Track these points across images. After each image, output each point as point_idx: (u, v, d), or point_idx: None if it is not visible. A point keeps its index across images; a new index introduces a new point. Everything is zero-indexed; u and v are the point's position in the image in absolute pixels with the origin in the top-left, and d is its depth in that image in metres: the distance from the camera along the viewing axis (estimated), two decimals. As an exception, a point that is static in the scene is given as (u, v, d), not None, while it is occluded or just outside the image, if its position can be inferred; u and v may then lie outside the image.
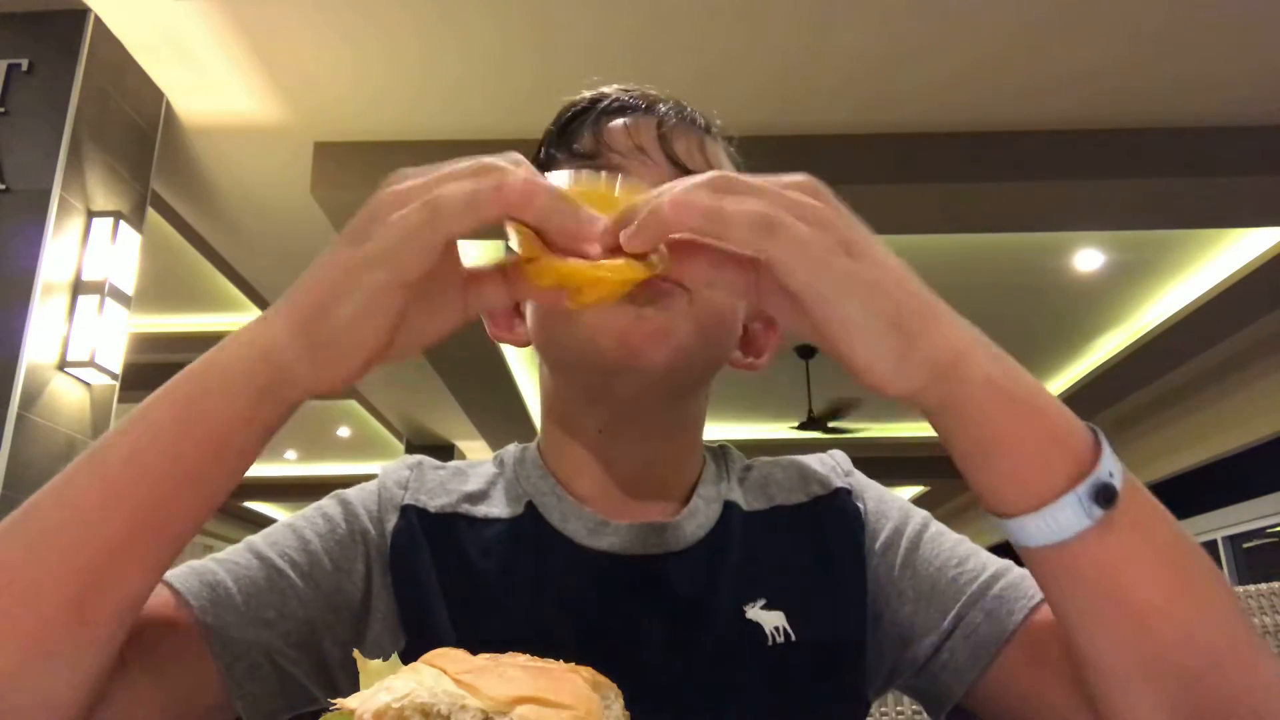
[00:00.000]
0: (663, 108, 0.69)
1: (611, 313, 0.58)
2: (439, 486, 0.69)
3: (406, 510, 0.66)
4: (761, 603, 0.64)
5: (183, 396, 0.48)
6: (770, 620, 0.63)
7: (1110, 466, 0.47)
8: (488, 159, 0.45)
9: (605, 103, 0.69)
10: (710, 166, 0.67)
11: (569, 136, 0.68)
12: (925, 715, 1.01)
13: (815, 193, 0.46)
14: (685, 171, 0.64)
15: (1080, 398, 6.61)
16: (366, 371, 0.47)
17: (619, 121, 0.67)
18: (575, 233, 0.46)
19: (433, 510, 0.67)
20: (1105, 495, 0.46)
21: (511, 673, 0.41)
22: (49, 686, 0.46)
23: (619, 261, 0.46)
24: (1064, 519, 0.46)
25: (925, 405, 0.47)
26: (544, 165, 0.69)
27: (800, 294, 0.44)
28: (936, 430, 0.49)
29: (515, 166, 0.45)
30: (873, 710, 1.06)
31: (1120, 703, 0.51)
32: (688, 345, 0.61)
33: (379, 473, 0.71)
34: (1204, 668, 0.48)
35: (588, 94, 0.70)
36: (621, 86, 0.71)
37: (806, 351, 5.59)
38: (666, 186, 0.45)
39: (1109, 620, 0.48)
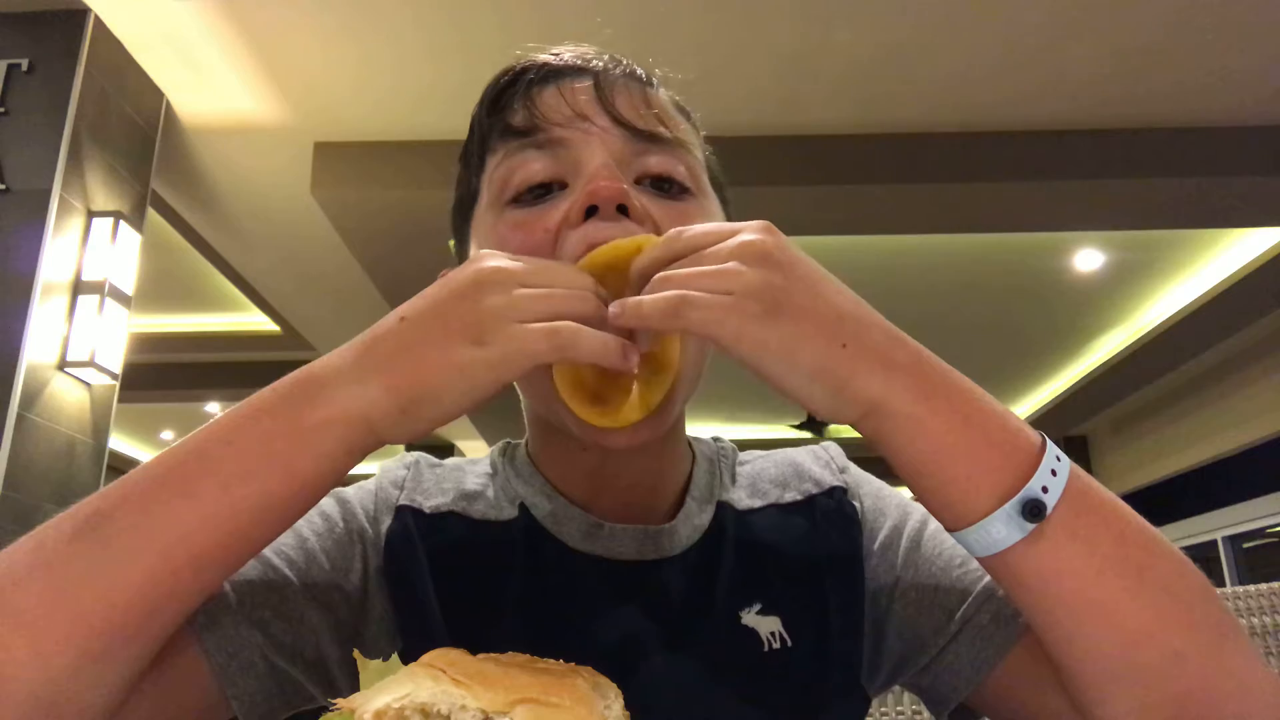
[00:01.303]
0: (598, 63, 0.65)
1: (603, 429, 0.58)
2: (435, 485, 0.69)
3: (401, 511, 0.66)
4: (757, 608, 0.63)
5: (281, 448, 0.50)
6: (766, 626, 0.63)
7: (1044, 481, 0.49)
8: (589, 291, 0.52)
9: (534, 70, 0.64)
10: (658, 120, 0.63)
11: (501, 111, 0.64)
12: (925, 715, 1.00)
13: (759, 248, 0.50)
14: (633, 130, 0.62)
15: (1080, 398, 6.61)
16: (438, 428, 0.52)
17: (552, 87, 0.63)
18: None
19: (428, 510, 0.66)
20: (1033, 510, 0.49)
21: (511, 673, 0.41)
22: (94, 691, 0.47)
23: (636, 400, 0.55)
24: (995, 533, 0.49)
25: (862, 434, 0.52)
26: (479, 146, 0.66)
27: (731, 351, 0.49)
28: (885, 456, 0.53)
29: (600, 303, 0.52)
30: (872, 710, 1.06)
31: (1096, 706, 0.51)
32: (674, 413, 0.63)
33: (377, 471, 0.70)
34: (1163, 663, 0.49)
35: (515, 64, 0.65)
36: (553, 49, 0.66)
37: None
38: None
39: (1061, 623, 0.50)
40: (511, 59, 0.66)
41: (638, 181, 0.62)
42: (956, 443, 0.50)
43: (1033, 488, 0.49)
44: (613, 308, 0.51)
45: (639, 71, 0.66)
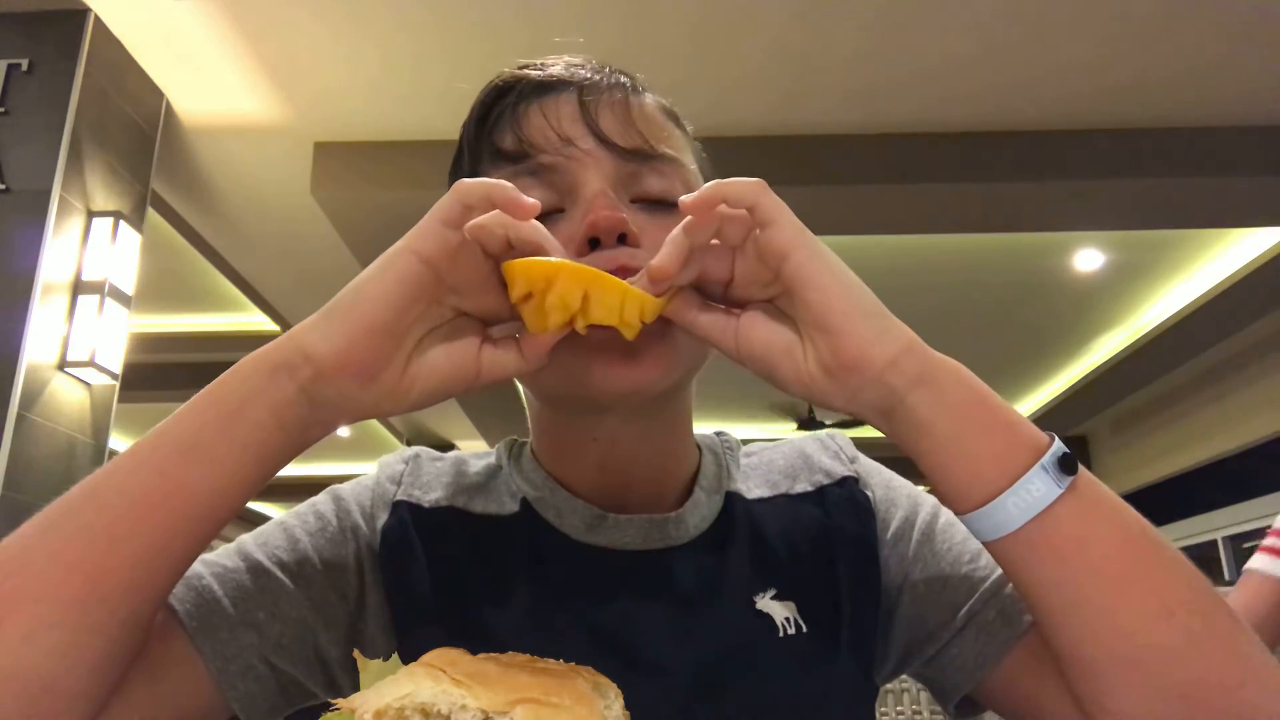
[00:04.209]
0: (583, 73, 0.64)
1: (606, 359, 0.57)
2: (435, 480, 0.68)
3: (398, 506, 0.65)
4: (772, 593, 0.63)
5: (217, 381, 0.53)
6: (781, 611, 0.63)
7: (1062, 446, 0.51)
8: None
9: (520, 86, 0.64)
10: (642, 135, 0.63)
11: (489, 131, 0.64)
12: (925, 716, 1.01)
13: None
14: (617, 149, 0.61)
15: (1080, 398, 6.61)
16: (369, 347, 0.51)
17: (536, 106, 0.62)
18: (549, 248, 0.53)
19: (427, 505, 0.66)
20: (1067, 463, 0.50)
21: (511, 673, 0.41)
22: (53, 663, 0.46)
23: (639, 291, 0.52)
24: (1036, 490, 0.50)
25: (901, 383, 0.51)
26: (470, 166, 0.65)
27: (788, 251, 0.51)
28: (913, 424, 0.52)
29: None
30: (874, 711, 1.06)
31: (1106, 697, 0.51)
32: (680, 369, 0.62)
33: (376, 465, 0.70)
34: (1182, 643, 0.49)
35: (501, 79, 0.65)
36: (539, 61, 0.66)
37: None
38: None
39: (1086, 597, 0.50)
40: (497, 71, 0.66)
41: (634, 201, 0.62)
42: (985, 400, 0.53)
43: (1058, 446, 0.51)
44: (685, 196, 0.53)
45: (622, 79, 0.65)
